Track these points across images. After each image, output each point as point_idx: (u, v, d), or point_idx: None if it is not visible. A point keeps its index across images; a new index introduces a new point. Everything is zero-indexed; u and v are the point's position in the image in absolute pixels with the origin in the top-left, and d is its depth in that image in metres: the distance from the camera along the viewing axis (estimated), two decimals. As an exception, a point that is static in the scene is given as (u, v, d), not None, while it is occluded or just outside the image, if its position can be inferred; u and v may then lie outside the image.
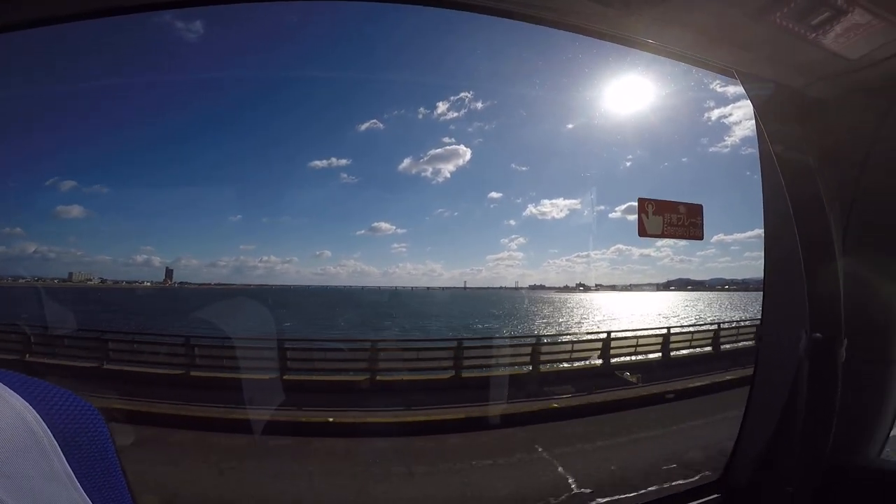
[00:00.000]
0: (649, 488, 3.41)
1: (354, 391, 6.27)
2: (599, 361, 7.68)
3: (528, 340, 8.68)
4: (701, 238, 1.22)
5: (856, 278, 1.17)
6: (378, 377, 6.46)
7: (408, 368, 7.00)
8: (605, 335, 8.10)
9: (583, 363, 7.69)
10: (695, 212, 1.22)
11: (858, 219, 1.18)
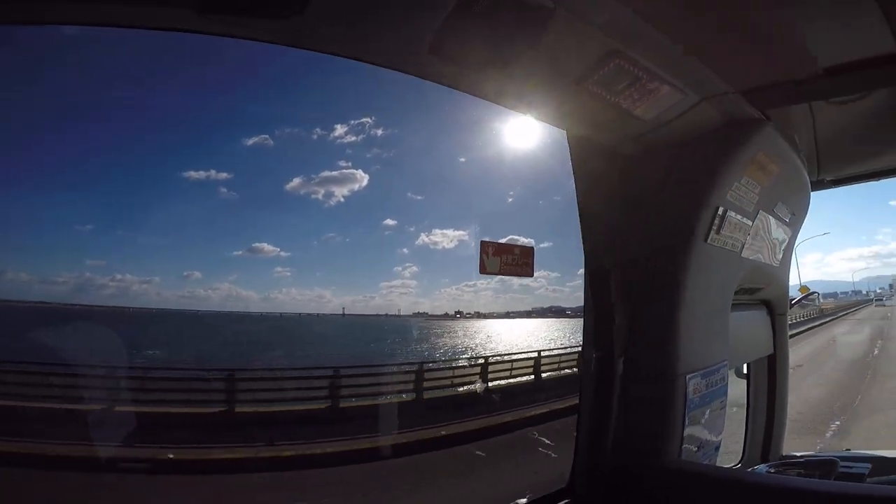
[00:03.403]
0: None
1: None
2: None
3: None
4: (531, 275, 1.46)
5: (633, 305, 1.46)
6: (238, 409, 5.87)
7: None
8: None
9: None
10: (527, 253, 1.45)
11: (637, 259, 1.47)
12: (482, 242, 1.39)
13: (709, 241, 1.46)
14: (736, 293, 1.98)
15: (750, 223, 1.62)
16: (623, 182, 1.49)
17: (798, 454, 2.61)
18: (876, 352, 14.08)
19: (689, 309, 1.45)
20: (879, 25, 0.87)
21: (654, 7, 0.91)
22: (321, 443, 5.26)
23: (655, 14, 0.92)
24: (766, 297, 2.40)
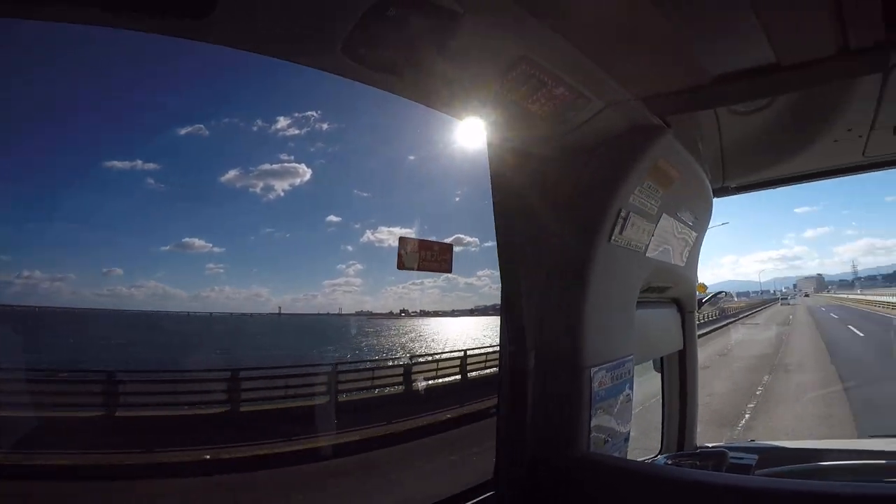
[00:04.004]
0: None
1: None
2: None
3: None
4: (450, 271, 1.48)
5: (543, 301, 1.51)
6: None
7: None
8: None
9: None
10: (446, 250, 1.47)
11: (546, 256, 1.52)
12: (401, 239, 1.39)
13: (612, 240, 1.53)
14: (645, 291, 2.11)
15: (653, 225, 1.72)
16: (536, 183, 1.54)
17: (710, 445, 2.79)
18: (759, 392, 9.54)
19: (594, 304, 1.52)
20: (760, 37, 0.95)
21: (557, 14, 0.94)
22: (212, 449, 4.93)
23: (559, 21, 0.96)
24: (675, 295, 2.56)
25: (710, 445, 2.75)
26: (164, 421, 5.47)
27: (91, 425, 5.09)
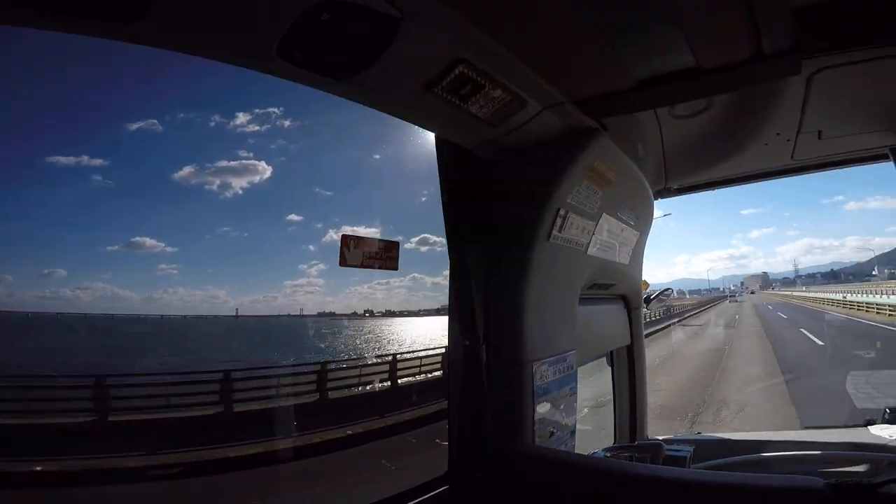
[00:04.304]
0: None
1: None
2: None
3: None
4: (395, 268, 1.49)
5: (486, 298, 1.56)
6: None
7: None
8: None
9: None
10: (391, 247, 1.47)
11: (491, 255, 1.57)
12: (343, 236, 1.39)
13: (551, 239, 1.58)
14: (591, 288, 2.17)
15: (593, 224, 1.78)
16: (481, 184, 1.58)
17: (660, 437, 2.89)
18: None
19: (535, 301, 1.56)
20: (680, 42, 1.01)
21: (492, 20, 0.97)
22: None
23: (495, 26, 0.99)
24: (621, 292, 2.66)
25: (660, 438, 2.89)
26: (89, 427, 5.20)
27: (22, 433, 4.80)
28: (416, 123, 1.34)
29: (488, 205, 1.58)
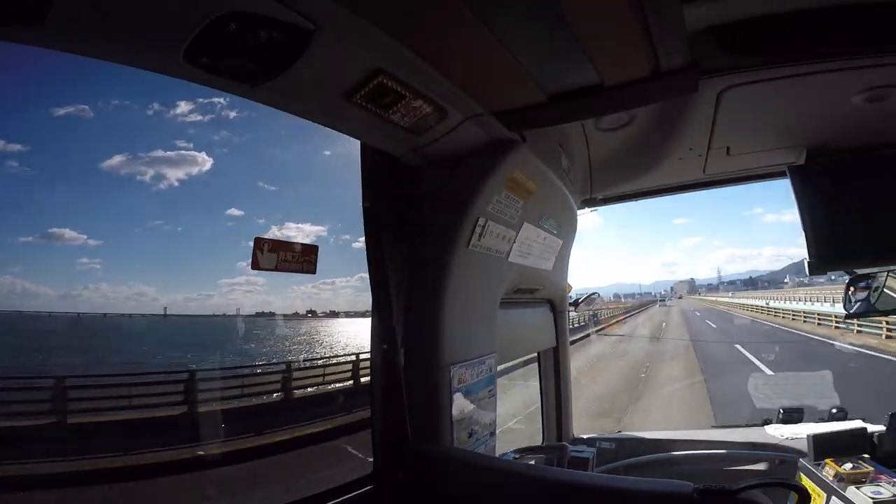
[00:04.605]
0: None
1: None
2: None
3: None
4: (314, 272, 1.45)
5: (407, 303, 1.58)
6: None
7: None
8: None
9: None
10: (310, 251, 1.44)
11: (414, 260, 1.59)
12: (256, 239, 1.35)
13: (471, 247, 1.62)
14: (516, 292, 2.23)
15: (514, 233, 1.84)
16: (406, 191, 1.60)
17: (585, 436, 3.08)
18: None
19: (453, 306, 1.60)
20: (584, 61, 1.05)
21: (412, 32, 0.98)
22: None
23: (414, 39, 1.00)
24: (547, 296, 2.75)
25: (585, 436, 3.06)
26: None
27: None
28: (339, 130, 1.32)
29: (411, 212, 1.59)
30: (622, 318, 38.52)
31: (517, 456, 1.77)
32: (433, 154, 1.52)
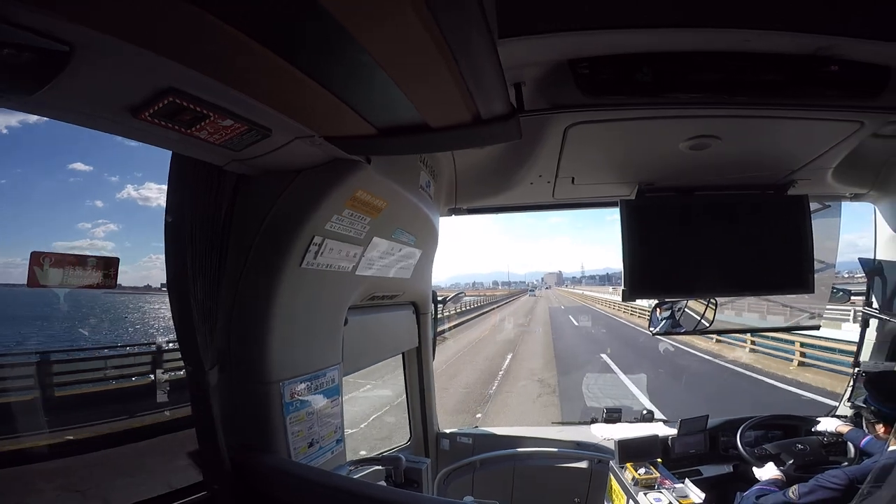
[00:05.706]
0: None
1: None
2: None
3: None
4: (114, 287, 1.30)
5: (232, 319, 1.53)
6: None
7: None
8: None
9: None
10: (111, 264, 1.29)
11: (238, 279, 1.53)
12: (33, 254, 1.15)
13: (304, 265, 1.58)
14: (372, 298, 2.25)
15: (360, 248, 1.83)
16: (230, 205, 1.49)
17: (447, 431, 3.28)
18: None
19: (283, 323, 1.56)
20: (406, 104, 1.02)
21: (190, 55, 0.87)
22: None
23: (199, 62, 0.89)
24: (410, 299, 2.82)
25: (447, 431, 3.28)
26: None
27: None
28: (142, 142, 1.15)
29: (233, 226, 1.51)
30: (480, 312, 36.23)
31: (352, 468, 1.80)
32: (266, 166, 1.42)
